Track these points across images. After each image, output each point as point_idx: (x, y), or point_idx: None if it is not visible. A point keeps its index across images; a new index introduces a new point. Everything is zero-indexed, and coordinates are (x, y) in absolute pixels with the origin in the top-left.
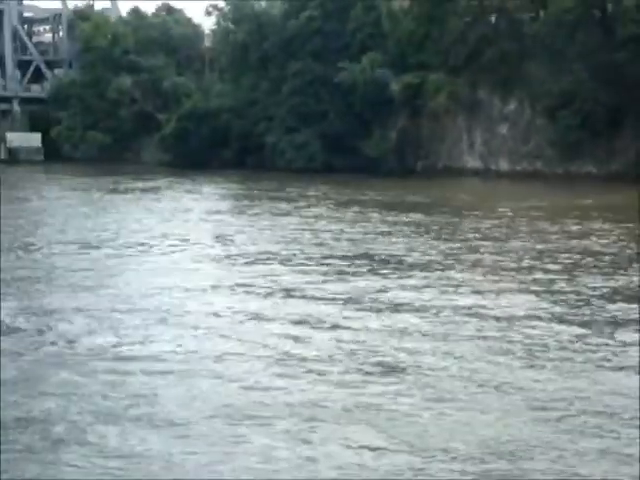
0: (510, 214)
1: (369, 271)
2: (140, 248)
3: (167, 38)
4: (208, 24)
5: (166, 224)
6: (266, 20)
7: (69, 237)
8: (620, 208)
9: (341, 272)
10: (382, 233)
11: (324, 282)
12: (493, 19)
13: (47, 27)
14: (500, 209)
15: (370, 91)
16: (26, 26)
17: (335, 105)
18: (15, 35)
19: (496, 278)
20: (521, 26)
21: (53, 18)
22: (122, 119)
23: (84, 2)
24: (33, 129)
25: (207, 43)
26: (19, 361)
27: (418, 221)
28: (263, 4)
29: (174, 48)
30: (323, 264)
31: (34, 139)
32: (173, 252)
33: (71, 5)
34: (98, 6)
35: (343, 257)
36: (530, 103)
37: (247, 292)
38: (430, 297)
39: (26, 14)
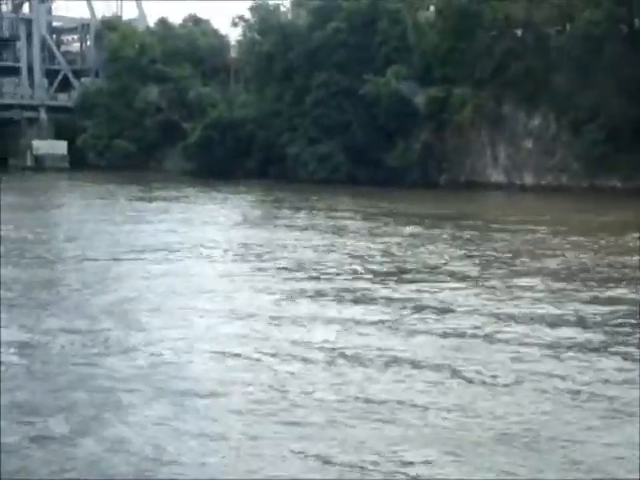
0: (540, 228)
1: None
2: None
3: (193, 49)
4: (234, 35)
5: (202, 233)
6: (292, 31)
7: (121, 247)
8: None
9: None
10: (420, 245)
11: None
12: (519, 33)
13: (75, 37)
14: (530, 223)
15: (394, 103)
16: (54, 35)
17: (359, 117)
18: (43, 44)
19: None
20: (547, 40)
21: (81, 28)
22: (147, 128)
23: (112, 12)
24: (59, 137)
25: (233, 54)
26: None
27: (453, 234)
28: (289, 15)
29: (200, 58)
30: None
31: (60, 147)
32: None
33: (99, 15)
34: (126, 16)
35: (386, 272)
36: (555, 117)
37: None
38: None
39: (55, 24)
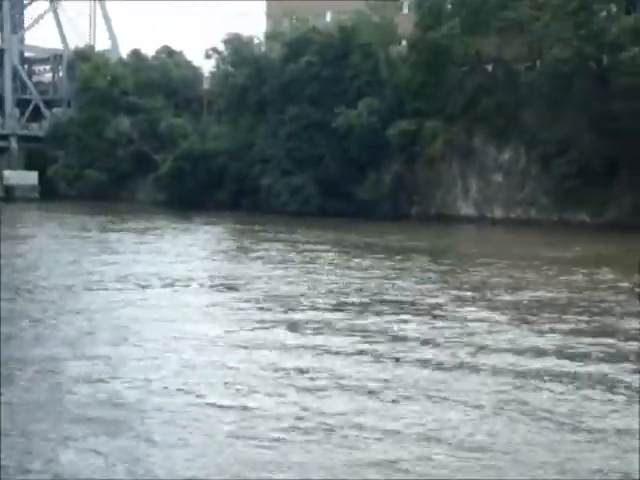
0: (511, 262)
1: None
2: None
3: (166, 80)
4: (208, 67)
5: (173, 265)
6: (265, 64)
7: (98, 277)
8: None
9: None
10: (391, 278)
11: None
12: (490, 68)
13: (47, 67)
14: (502, 257)
15: (366, 136)
16: (26, 66)
17: (331, 149)
18: (15, 74)
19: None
20: (517, 76)
21: (54, 58)
22: (119, 159)
23: (85, 43)
24: (30, 167)
25: (206, 85)
26: None
27: (425, 267)
28: (263, 48)
29: (173, 90)
30: (344, 309)
31: (31, 177)
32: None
33: (72, 45)
34: (99, 47)
35: (359, 303)
36: (525, 151)
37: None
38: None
39: (27, 54)
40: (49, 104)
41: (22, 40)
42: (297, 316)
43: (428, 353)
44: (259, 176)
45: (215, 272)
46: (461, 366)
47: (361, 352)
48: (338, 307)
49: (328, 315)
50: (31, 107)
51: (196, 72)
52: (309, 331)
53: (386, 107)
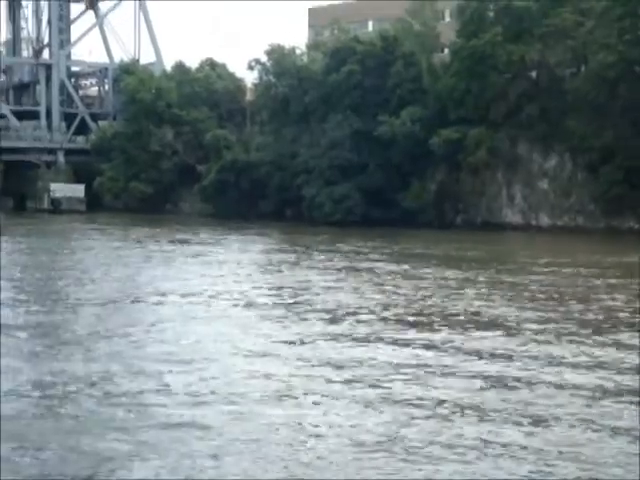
0: (571, 270)
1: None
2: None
3: (210, 92)
4: (250, 78)
5: (224, 277)
6: (307, 74)
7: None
8: None
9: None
10: (454, 288)
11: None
12: (534, 75)
13: (93, 81)
14: (562, 266)
15: (409, 145)
16: (73, 80)
17: (374, 158)
18: (62, 89)
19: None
20: (562, 82)
21: (99, 72)
22: (163, 170)
23: (130, 57)
24: (77, 180)
25: (249, 97)
26: None
27: (490, 277)
28: (305, 58)
29: (216, 101)
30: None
31: (77, 190)
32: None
33: (117, 59)
34: (144, 60)
35: (428, 314)
36: (571, 158)
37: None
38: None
39: (74, 68)
40: (95, 117)
41: (69, 55)
42: (364, 329)
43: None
44: (302, 186)
45: (272, 284)
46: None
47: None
48: (406, 319)
49: (398, 327)
50: (77, 121)
51: (239, 84)
52: (385, 345)
53: (429, 115)
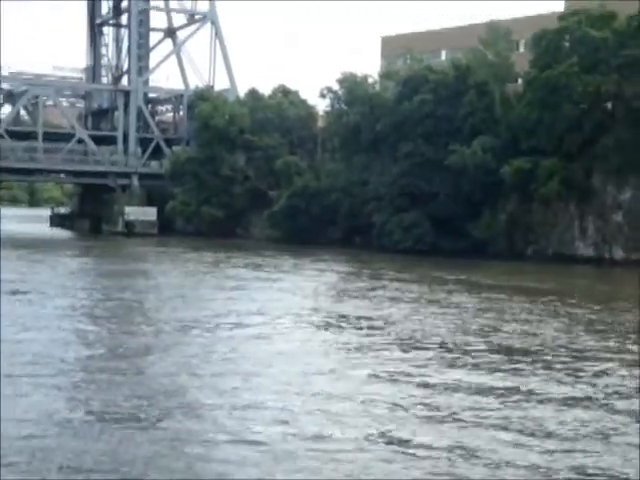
0: None
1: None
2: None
3: (282, 119)
4: (322, 105)
5: (300, 302)
6: (379, 102)
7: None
8: None
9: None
10: (538, 321)
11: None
12: (609, 106)
13: (169, 107)
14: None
15: (480, 174)
16: (150, 106)
17: (444, 187)
18: (139, 114)
19: None
20: (638, 113)
21: (175, 98)
22: (235, 195)
23: (205, 83)
24: (150, 203)
25: (320, 124)
26: None
27: (567, 310)
28: (377, 87)
29: (288, 128)
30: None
31: (150, 213)
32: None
33: (192, 85)
34: (218, 87)
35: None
36: None
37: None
38: None
39: (150, 95)
40: (169, 142)
41: (147, 82)
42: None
43: None
44: (372, 213)
45: (354, 313)
46: None
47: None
48: (494, 351)
49: (485, 358)
50: (152, 146)
51: (311, 111)
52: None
53: (500, 145)
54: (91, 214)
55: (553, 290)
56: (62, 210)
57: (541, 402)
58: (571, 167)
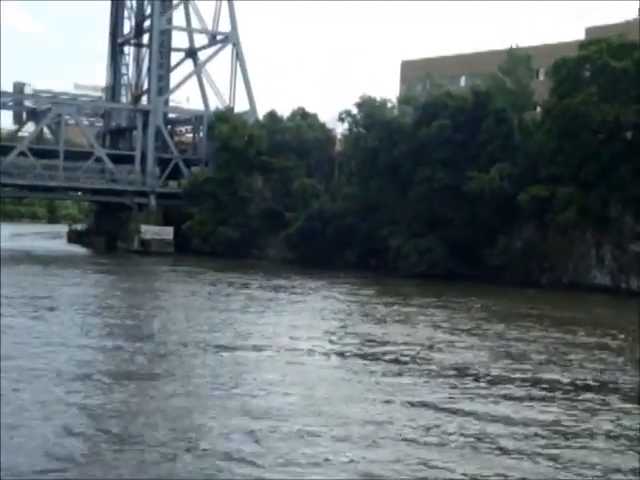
0: None
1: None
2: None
3: (300, 141)
4: (340, 129)
5: (319, 328)
6: (397, 127)
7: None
8: None
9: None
10: (565, 352)
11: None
12: (629, 135)
13: (188, 127)
14: None
15: (497, 201)
16: (169, 126)
17: (461, 213)
18: (158, 134)
19: None
20: None
21: (195, 119)
22: (251, 216)
23: (224, 104)
24: (166, 223)
25: (338, 147)
26: None
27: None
28: (395, 111)
29: (306, 151)
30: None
31: (167, 232)
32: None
33: (212, 106)
34: (238, 108)
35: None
36: None
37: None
38: None
39: (170, 115)
40: (188, 163)
41: (167, 102)
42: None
43: None
44: (387, 237)
45: (379, 338)
46: None
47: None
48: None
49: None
50: (171, 166)
51: (328, 134)
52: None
53: (518, 172)
54: (107, 232)
55: (575, 319)
56: (79, 227)
57: None
58: (589, 196)
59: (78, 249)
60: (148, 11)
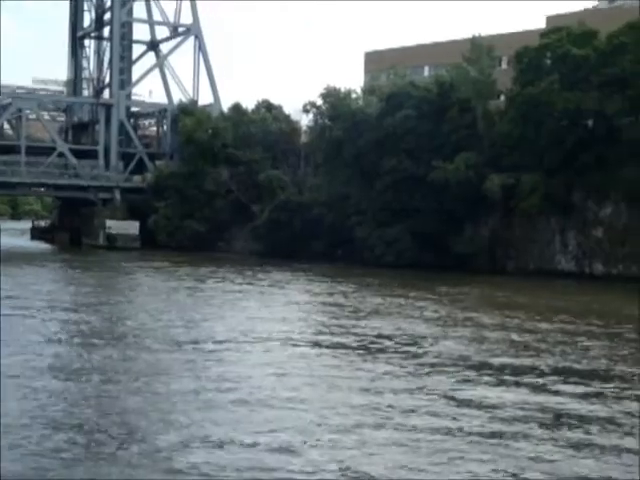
0: None
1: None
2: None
3: (265, 133)
4: (305, 120)
5: (296, 322)
6: (362, 118)
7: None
8: None
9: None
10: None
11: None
12: (590, 123)
13: (152, 121)
14: None
15: (462, 190)
16: (132, 120)
17: (427, 202)
18: (121, 129)
19: None
20: (619, 131)
21: (159, 113)
22: (217, 209)
23: (188, 98)
24: (132, 217)
25: (303, 138)
26: None
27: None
28: (359, 102)
29: (271, 143)
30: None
31: (132, 227)
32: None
33: (176, 100)
34: (202, 101)
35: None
36: (627, 207)
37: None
38: None
39: (133, 108)
40: (152, 157)
41: (129, 95)
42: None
43: None
44: (354, 227)
45: (375, 329)
46: None
47: None
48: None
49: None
50: (135, 160)
51: (294, 126)
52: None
53: (483, 161)
54: (71, 227)
55: (561, 308)
56: (42, 223)
57: None
58: (552, 183)
59: (42, 245)
60: (108, 4)
